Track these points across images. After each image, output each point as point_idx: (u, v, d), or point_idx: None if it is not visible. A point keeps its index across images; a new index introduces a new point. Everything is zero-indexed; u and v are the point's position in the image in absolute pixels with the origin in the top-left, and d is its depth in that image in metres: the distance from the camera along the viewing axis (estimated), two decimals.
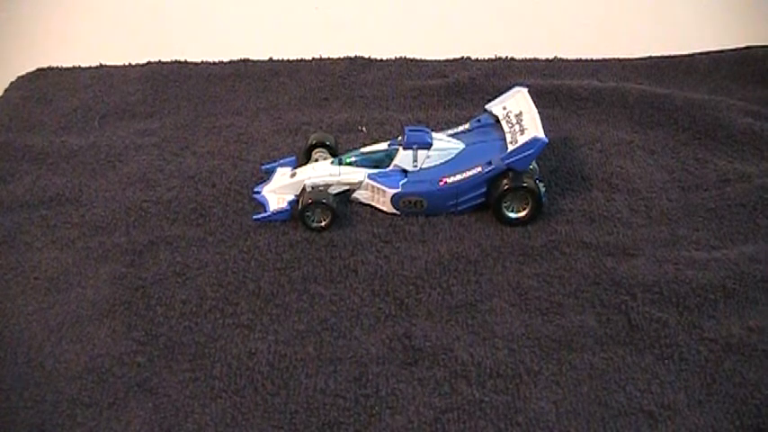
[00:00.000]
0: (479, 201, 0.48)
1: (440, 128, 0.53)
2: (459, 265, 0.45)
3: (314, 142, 0.51)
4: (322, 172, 0.49)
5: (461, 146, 0.50)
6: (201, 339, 0.41)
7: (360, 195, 0.49)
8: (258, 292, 0.44)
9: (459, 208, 0.48)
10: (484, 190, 0.48)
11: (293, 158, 0.52)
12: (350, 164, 0.49)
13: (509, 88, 0.53)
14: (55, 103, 0.60)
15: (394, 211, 0.48)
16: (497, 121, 0.51)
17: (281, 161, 0.52)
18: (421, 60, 0.64)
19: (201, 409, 0.38)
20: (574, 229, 0.47)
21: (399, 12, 0.72)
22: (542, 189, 0.48)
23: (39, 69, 0.64)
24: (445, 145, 0.49)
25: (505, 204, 0.47)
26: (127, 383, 0.39)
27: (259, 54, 0.64)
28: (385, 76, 0.62)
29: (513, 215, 0.47)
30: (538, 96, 0.58)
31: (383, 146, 0.50)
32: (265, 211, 0.48)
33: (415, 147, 0.48)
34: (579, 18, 0.68)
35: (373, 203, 0.49)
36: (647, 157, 0.53)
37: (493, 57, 0.64)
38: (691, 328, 0.41)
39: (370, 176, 0.49)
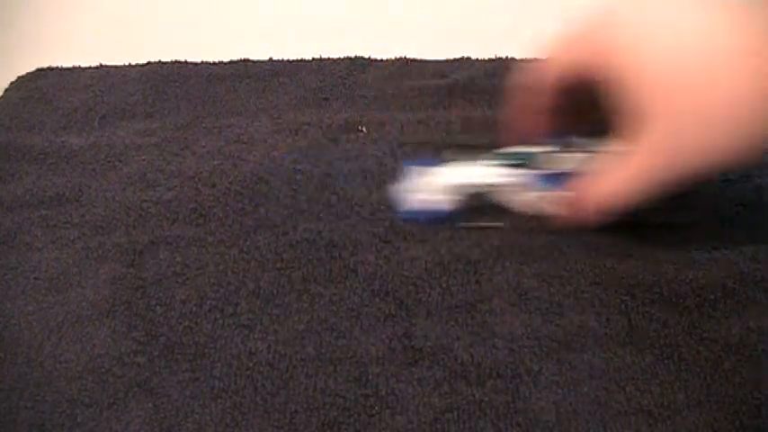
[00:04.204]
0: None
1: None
2: (459, 265, 0.45)
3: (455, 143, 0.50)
4: (481, 172, 0.48)
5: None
6: (201, 339, 0.41)
7: (525, 197, 0.48)
8: (258, 292, 0.44)
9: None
10: None
11: (438, 158, 0.50)
12: (508, 165, 0.48)
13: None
14: (55, 103, 0.60)
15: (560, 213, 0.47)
16: None
17: (424, 160, 0.50)
18: (421, 60, 0.64)
19: (201, 409, 0.38)
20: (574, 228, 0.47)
21: (399, 12, 0.72)
22: None
23: (39, 69, 0.64)
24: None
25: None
26: (127, 383, 0.39)
27: (259, 54, 0.64)
28: (385, 76, 0.62)
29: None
30: None
31: (544, 147, 0.48)
32: (415, 214, 0.48)
33: (580, 149, 0.47)
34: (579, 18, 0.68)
35: (535, 206, 0.48)
36: None
37: (493, 57, 0.64)
38: (691, 328, 0.41)
39: (535, 177, 0.47)
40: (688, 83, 0.39)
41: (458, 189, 0.48)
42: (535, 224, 0.47)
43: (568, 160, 0.47)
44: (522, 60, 0.65)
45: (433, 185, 0.49)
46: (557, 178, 0.47)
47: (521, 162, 0.48)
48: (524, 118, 0.48)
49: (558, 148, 0.48)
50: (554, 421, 0.37)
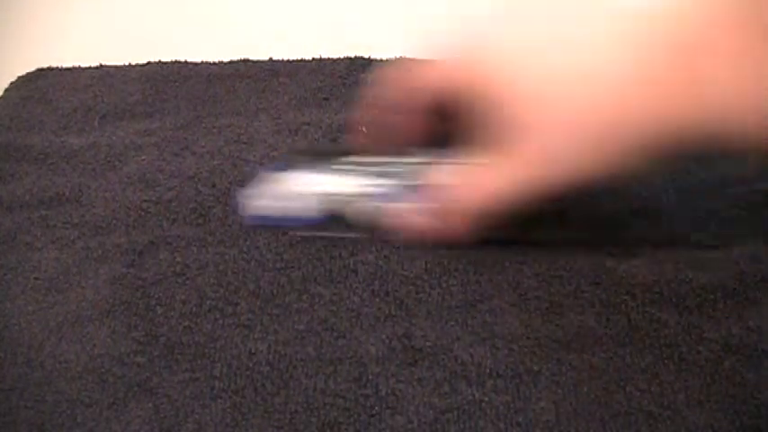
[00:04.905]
0: None
1: None
2: (459, 265, 0.45)
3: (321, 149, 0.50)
4: (340, 181, 0.48)
5: None
6: (201, 339, 0.41)
7: (385, 207, 0.47)
8: (258, 292, 0.44)
9: None
10: None
11: (288, 164, 0.50)
12: (372, 174, 0.47)
13: None
14: (55, 103, 0.60)
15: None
16: None
17: (276, 165, 0.50)
18: (421, 60, 0.64)
19: (201, 409, 0.38)
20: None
21: (399, 12, 0.72)
22: None
23: (39, 69, 0.64)
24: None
25: None
26: (127, 383, 0.39)
27: (259, 54, 0.64)
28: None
29: None
30: None
31: (408, 157, 0.47)
32: (265, 221, 0.47)
33: (435, 160, 0.46)
34: None
35: (397, 216, 0.46)
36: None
37: None
38: (691, 328, 0.41)
39: (389, 188, 0.46)
40: (563, 94, 0.40)
41: (311, 197, 0.47)
42: (395, 237, 0.46)
43: (426, 171, 0.46)
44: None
45: (286, 192, 0.48)
46: (417, 190, 0.46)
47: (383, 172, 0.47)
48: (387, 125, 0.47)
49: (419, 159, 0.47)
50: (554, 421, 0.37)
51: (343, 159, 0.49)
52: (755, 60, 0.36)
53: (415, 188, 0.46)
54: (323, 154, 0.50)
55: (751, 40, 0.36)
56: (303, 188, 0.48)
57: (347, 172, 0.48)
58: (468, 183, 0.43)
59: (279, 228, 0.47)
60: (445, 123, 0.46)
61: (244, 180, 0.50)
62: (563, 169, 0.40)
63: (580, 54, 0.40)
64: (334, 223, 0.47)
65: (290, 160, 0.51)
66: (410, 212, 0.46)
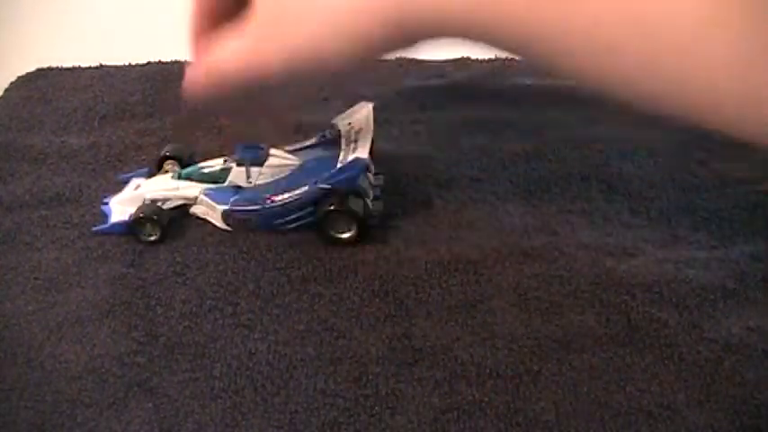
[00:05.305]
0: (308, 219, 0.47)
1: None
2: (459, 265, 0.45)
3: (166, 153, 0.51)
4: (161, 185, 0.49)
5: (297, 162, 0.49)
6: (201, 339, 0.41)
7: (197, 210, 0.49)
8: (258, 292, 0.44)
9: (288, 227, 0.47)
10: (312, 209, 0.46)
11: (147, 169, 0.51)
12: (189, 178, 0.49)
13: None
14: (55, 103, 0.60)
15: (226, 227, 0.47)
16: (340, 136, 0.50)
17: (138, 172, 0.51)
18: (421, 60, 0.64)
19: (201, 409, 0.38)
20: (574, 229, 0.47)
21: None
22: (372, 207, 0.47)
23: (39, 69, 0.64)
24: (280, 161, 0.49)
25: (331, 225, 0.46)
26: (127, 383, 0.39)
27: None
28: (385, 76, 0.62)
29: (339, 235, 0.46)
30: (537, 97, 0.58)
31: (220, 161, 0.50)
32: (105, 223, 0.48)
33: (247, 163, 0.48)
34: None
35: (209, 218, 0.48)
36: (647, 157, 0.53)
37: (493, 57, 0.64)
38: (691, 328, 0.41)
39: (204, 192, 0.48)
40: None
41: (139, 200, 0.48)
42: (208, 238, 0.47)
43: (236, 174, 0.48)
44: (521, 60, 0.64)
45: (125, 197, 0.49)
46: (225, 192, 0.48)
47: (205, 175, 0.49)
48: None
49: (232, 164, 0.49)
50: (554, 421, 0.37)
51: (190, 166, 0.50)
52: None
53: (220, 190, 0.48)
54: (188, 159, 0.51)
55: None
56: (137, 192, 0.49)
57: (176, 176, 0.49)
58: (216, 47, 0.43)
59: (112, 232, 0.48)
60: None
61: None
62: (289, 45, 0.40)
63: None
64: (148, 225, 0.47)
65: (149, 165, 0.52)
66: (213, 214, 0.48)
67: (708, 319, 0.42)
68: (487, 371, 0.39)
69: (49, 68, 0.64)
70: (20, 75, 0.63)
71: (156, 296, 0.44)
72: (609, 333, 0.41)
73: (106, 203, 0.49)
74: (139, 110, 0.59)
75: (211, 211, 0.48)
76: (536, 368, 0.39)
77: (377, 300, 0.43)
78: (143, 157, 0.54)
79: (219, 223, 0.48)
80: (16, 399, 0.39)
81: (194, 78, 0.44)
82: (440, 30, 0.37)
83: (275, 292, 0.44)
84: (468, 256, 0.45)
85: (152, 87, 0.61)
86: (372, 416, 0.38)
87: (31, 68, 0.64)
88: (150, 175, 0.51)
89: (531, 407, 0.38)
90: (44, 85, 0.62)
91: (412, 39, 0.39)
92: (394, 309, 0.43)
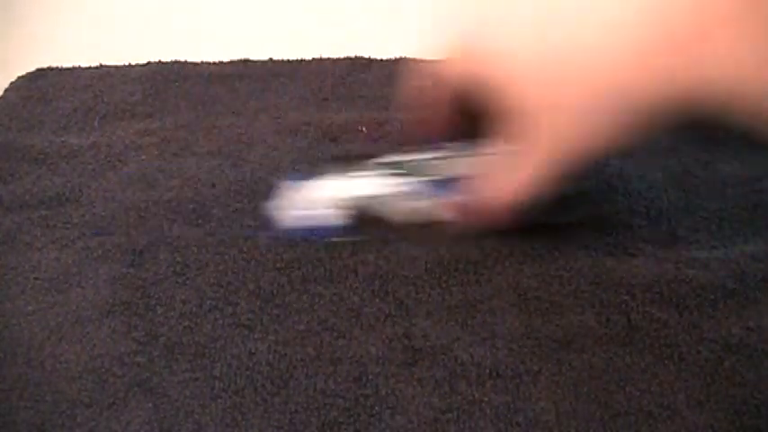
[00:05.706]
0: None
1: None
2: (459, 265, 0.45)
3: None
4: (371, 183, 0.47)
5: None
6: (201, 339, 0.41)
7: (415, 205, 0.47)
8: (258, 292, 0.44)
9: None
10: None
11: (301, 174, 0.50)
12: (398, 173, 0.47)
13: None
14: (55, 103, 0.60)
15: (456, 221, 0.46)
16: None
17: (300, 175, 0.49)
18: (421, 60, 0.64)
19: (201, 409, 0.38)
20: (574, 229, 0.47)
21: (399, 12, 0.72)
22: None
23: (39, 69, 0.64)
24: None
25: None
26: (127, 383, 0.39)
27: (259, 54, 0.64)
28: (385, 76, 0.62)
29: None
30: None
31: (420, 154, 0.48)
32: (293, 231, 0.47)
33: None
34: None
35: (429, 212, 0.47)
36: (647, 158, 0.53)
37: None
38: (691, 328, 0.41)
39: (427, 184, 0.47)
40: (563, 72, 0.39)
41: (340, 202, 0.47)
42: (427, 233, 0.46)
43: (453, 165, 0.46)
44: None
45: (313, 200, 0.48)
46: (445, 184, 0.46)
47: (403, 171, 0.47)
48: (416, 123, 0.48)
49: (439, 155, 0.47)
50: (554, 421, 0.37)
51: (365, 163, 0.49)
52: (754, 48, 0.36)
53: (445, 183, 0.46)
54: (343, 160, 0.50)
55: (748, 29, 0.36)
56: (330, 195, 0.48)
57: (370, 174, 0.48)
58: (498, 174, 0.43)
59: (311, 237, 0.47)
60: (464, 118, 0.46)
61: (261, 191, 0.50)
62: (577, 147, 0.40)
63: (576, 32, 0.39)
64: (364, 226, 0.47)
65: (310, 169, 0.51)
66: (445, 207, 0.46)
67: (708, 319, 0.42)
68: (487, 371, 0.39)
69: (49, 68, 0.64)
70: (20, 75, 0.63)
71: (156, 296, 0.44)
72: (609, 333, 0.41)
73: (283, 210, 0.47)
74: (139, 110, 0.59)
75: (435, 204, 0.46)
76: (536, 368, 0.39)
77: (377, 300, 0.43)
78: (143, 157, 0.54)
79: (446, 215, 0.46)
80: (16, 399, 0.39)
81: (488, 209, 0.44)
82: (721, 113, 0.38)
83: (275, 292, 0.44)
84: (468, 256, 0.45)
85: (152, 87, 0.61)
86: (372, 416, 0.38)
87: (31, 68, 0.64)
88: (324, 175, 0.48)
89: (531, 407, 0.38)
90: (44, 85, 0.62)
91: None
92: (394, 309, 0.43)
